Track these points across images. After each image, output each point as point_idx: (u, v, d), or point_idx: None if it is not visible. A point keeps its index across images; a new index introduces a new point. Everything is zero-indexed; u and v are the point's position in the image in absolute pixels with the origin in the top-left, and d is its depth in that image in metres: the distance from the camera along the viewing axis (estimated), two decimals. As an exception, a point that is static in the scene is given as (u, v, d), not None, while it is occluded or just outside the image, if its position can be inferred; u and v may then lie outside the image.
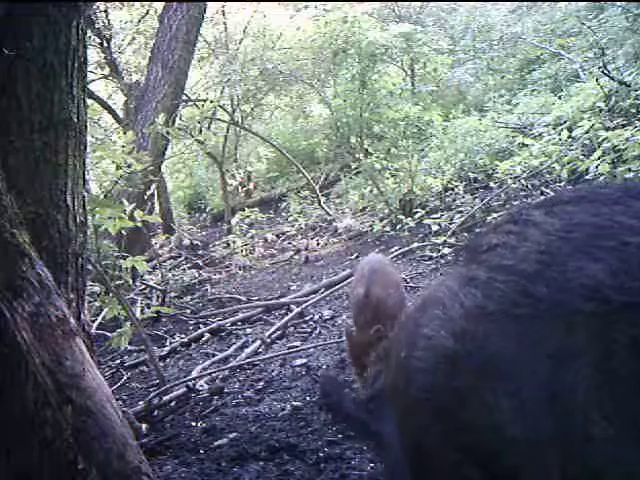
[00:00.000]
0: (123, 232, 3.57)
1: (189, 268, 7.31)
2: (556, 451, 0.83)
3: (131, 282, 5.31)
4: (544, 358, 0.84)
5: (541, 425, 0.84)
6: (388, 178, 7.19)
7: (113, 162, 4.06)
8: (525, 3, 10.90)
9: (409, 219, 6.43)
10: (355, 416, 1.46)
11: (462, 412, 0.96)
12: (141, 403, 3.37)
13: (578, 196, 1.01)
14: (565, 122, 6.16)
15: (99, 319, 4.55)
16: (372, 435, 1.40)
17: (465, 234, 5.55)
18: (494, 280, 0.96)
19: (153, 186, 6.63)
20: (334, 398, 1.55)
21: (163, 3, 7.95)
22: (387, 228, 6.69)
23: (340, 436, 2.60)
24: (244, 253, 7.52)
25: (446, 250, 5.31)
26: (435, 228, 5.83)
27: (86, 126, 2.35)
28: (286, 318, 4.56)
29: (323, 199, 8.55)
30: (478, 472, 0.95)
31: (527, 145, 6.34)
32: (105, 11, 9.85)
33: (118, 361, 4.62)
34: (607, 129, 5.34)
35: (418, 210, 6.52)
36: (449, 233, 5.61)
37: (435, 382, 1.00)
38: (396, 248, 5.90)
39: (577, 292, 0.82)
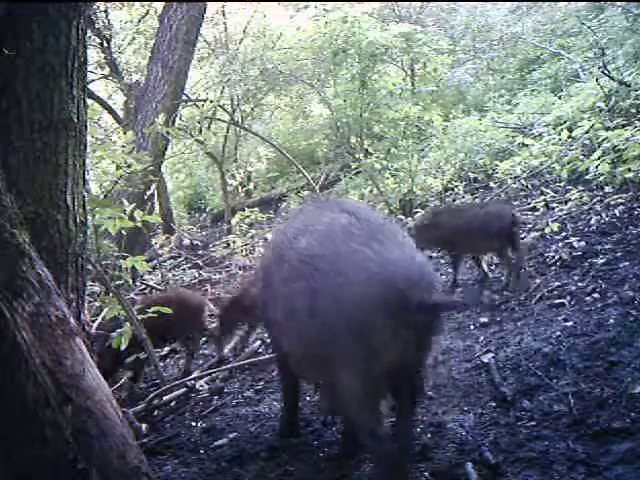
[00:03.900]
0: (123, 232, 3.56)
1: (189, 268, 7.30)
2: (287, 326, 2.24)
3: (131, 282, 5.30)
4: (282, 279, 2.22)
5: (281, 309, 2.24)
6: (388, 178, 7.18)
7: (113, 162, 4.05)
8: (525, 3, 10.90)
9: (409, 219, 6.42)
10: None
11: (264, 290, 2.50)
12: (141, 403, 3.37)
13: (319, 206, 2.51)
14: (565, 122, 6.16)
15: (99, 319, 4.54)
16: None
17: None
18: (281, 237, 2.40)
19: (153, 186, 6.61)
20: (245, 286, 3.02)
21: (163, 3, 7.93)
22: (387, 228, 6.66)
23: (340, 436, 2.60)
24: (244, 253, 7.51)
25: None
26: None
27: (86, 126, 2.36)
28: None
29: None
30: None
31: (527, 145, 6.34)
32: (105, 11, 9.83)
33: (118, 361, 4.61)
34: (607, 129, 5.34)
35: (418, 210, 6.51)
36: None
37: (258, 274, 2.72)
38: (396, 248, 5.88)
39: (296, 252, 2.18)
